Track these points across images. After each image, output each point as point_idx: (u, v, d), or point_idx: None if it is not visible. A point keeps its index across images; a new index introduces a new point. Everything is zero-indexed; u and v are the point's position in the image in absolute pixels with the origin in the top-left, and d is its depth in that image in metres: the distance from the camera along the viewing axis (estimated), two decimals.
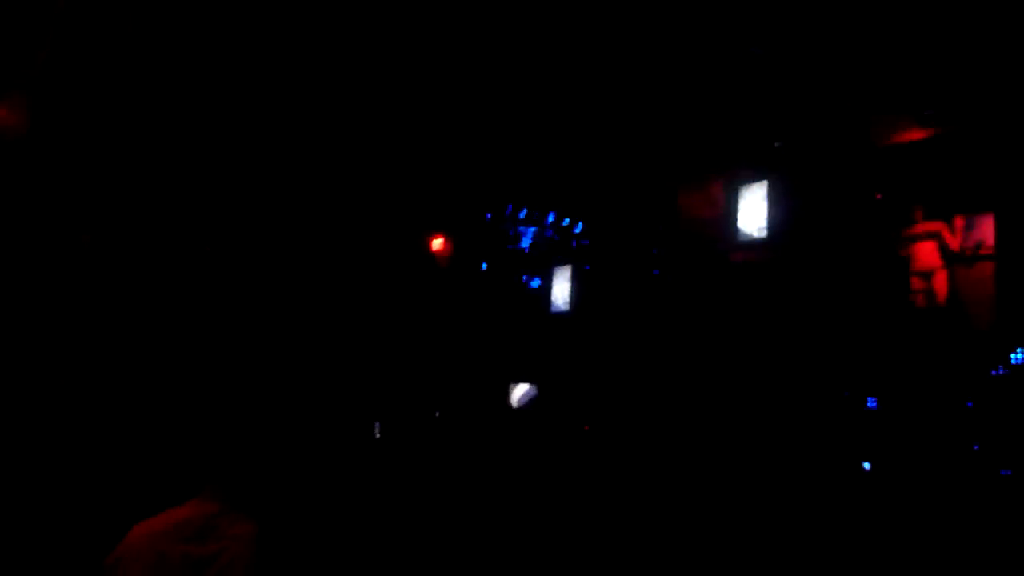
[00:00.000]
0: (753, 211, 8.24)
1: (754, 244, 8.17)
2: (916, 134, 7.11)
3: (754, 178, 8.27)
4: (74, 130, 7.78)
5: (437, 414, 8.39)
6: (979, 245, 6.58)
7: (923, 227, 7.00)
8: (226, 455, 1.68)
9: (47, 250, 7.27)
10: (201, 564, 1.44)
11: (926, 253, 6.89)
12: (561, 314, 10.02)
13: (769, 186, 8.16)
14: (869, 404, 6.82)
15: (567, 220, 10.36)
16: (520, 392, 9.63)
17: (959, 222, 6.83)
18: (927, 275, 6.88)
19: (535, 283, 10.50)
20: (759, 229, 8.20)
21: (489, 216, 10.80)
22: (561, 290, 10.08)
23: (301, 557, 1.62)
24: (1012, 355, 6.10)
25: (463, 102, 8.78)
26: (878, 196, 7.53)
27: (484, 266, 10.91)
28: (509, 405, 9.48)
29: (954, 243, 6.77)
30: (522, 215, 10.70)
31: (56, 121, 7.57)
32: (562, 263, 10.13)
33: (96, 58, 7.40)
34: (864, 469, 6.33)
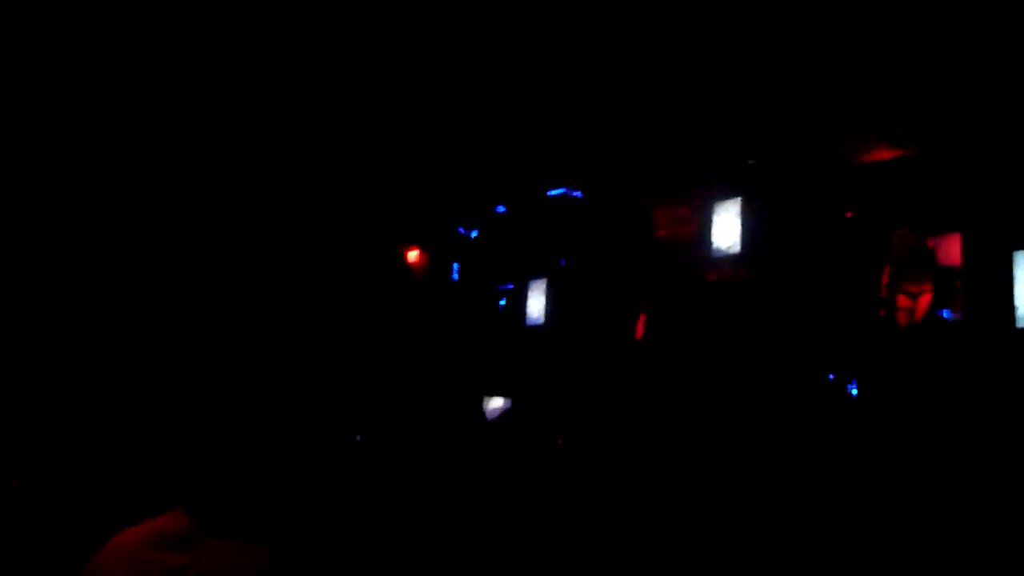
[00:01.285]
0: (727, 228, 8.35)
1: (727, 260, 8.27)
2: (886, 153, 7.26)
3: (728, 195, 8.40)
4: (46, 128, 7.67)
5: (408, 418, 8.37)
6: None
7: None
8: (201, 466, 1.66)
9: (17, 252, 7.14)
10: (174, 573, 1.44)
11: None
12: (536, 327, 10.03)
13: (743, 203, 8.28)
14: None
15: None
16: (494, 405, 9.61)
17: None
18: (914, 295, 6.89)
19: (509, 296, 10.50)
20: (732, 245, 8.32)
21: (463, 229, 10.81)
22: (536, 303, 10.10)
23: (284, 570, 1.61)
24: None
25: (438, 114, 8.79)
26: (848, 215, 7.66)
27: (457, 278, 10.90)
28: (483, 418, 9.45)
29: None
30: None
31: (28, 118, 7.46)
32: (537, 276, 10.16)
33: (69, 57, 7.30)
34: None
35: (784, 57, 7.17)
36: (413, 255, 10.88)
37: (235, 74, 7.86)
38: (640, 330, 8.95)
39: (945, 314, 6.84)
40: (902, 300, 6.94)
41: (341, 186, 9.70)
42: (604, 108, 8.45)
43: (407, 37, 7.34)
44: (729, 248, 8.33)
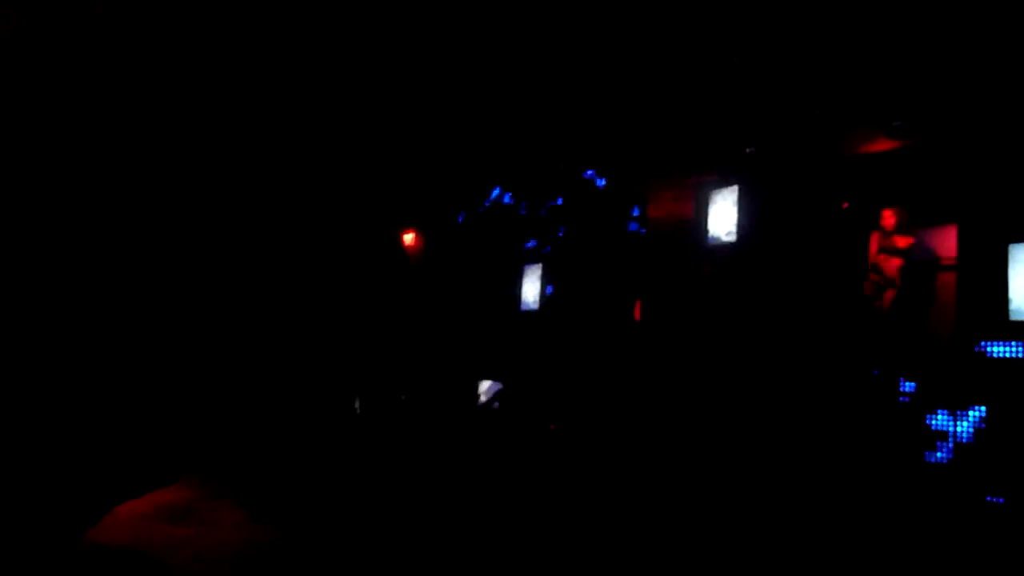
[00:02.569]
0: (724, 215, 8.34)
1: (724, 248, 8.27)
2: (884, 144, 7.25)
3: (725, 183, 8.38)
4: (40, 114, 7.60)
5: (403, 397, 8.40)
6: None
7: (894, 241, 7.05)
8: (207, 442, 1.67)
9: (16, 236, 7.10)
10: (180, 546, 1.45)
11: (891, 268, 6.99)
12: (530, 312, 10.03)
13: (740, 191, 8.27)
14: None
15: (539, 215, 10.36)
16: (487, 388, 9.62)
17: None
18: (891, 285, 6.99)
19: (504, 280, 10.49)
20: (728, 233, 8.31)
21: (461, 214, 10.77)
22: (531, 288, 10.10)
23: (290, 547, 1.62)
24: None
25: (439, 101, 8.75)
26: (844, 205, 7.66)
27: (453, 262, 10.88)
28: (475, 401, 9.46)
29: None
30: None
31: (21, 104, 7.39)
32: (532, 262, 10.16)
33: (63, 42, 7.23)
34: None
35: (784, 47, 7.15)
36: (409, 238, 10.84)
37: (234, 63, 7.80)
38: (636, 316, 8.97)
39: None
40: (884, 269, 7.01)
41: (337, 171, 9.67)
42: (602, 94, 8.41)
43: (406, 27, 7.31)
44: (725, 236, 8.33)
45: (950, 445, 6.11)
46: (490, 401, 9.28)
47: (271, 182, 9.18)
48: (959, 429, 6.11)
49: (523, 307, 10.09)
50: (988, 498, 5.73)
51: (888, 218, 7.02)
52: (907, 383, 6.54)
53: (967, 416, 6.08)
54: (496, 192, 10.61)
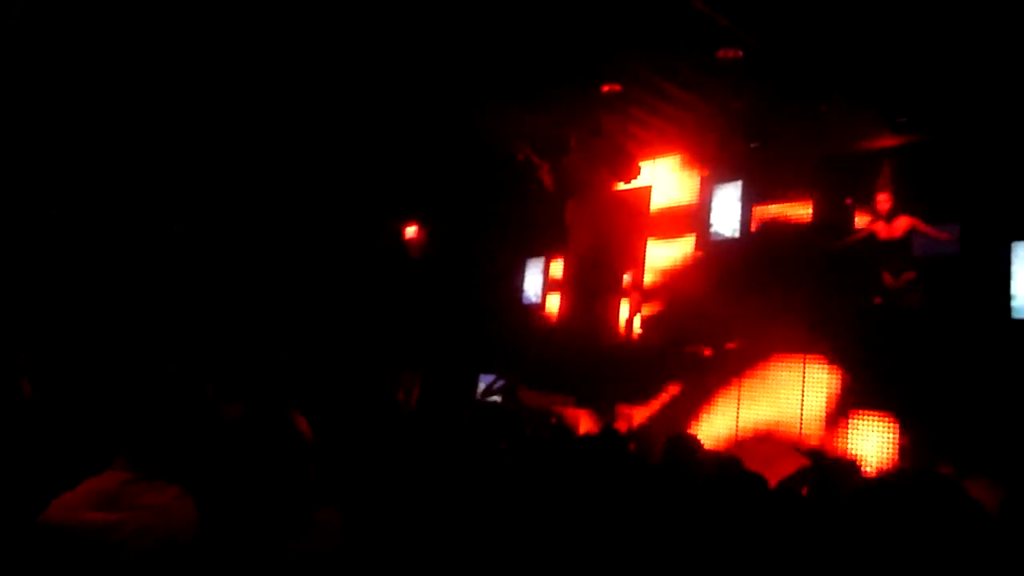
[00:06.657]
0: (727, 210, 8.30)
1: (726, 242, 8.24)
2: (889, 141, 7.20)
3: (729, 178, 8.34)
4: (43, 98, 7.60)
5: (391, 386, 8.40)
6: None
7: (893, 226, 7.07)
8: (136, 421, 1.68)
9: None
10: (108, 532, 1.46)
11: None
12: (532, 306, 10.02)
13: (743, 186, 8.23)
14: None
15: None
16: (487, 382, 9.62)
17: None
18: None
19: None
20: (732, 229, 8.27)
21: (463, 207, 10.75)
22: (533, 282, 10.09)
23: (222, 524, 1.62)
24: None
25: (439, 93, 8.70)
26: (848, 200, 7.61)
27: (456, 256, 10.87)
28: (475, 394, 9.46)
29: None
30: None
31: (24, 89, 7.38)
32: (534, 255, 10.15)
33: (69, 25, 7.22)
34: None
35: (788, 41, 7.08)
36: (411, 231, 10.83)
37: (234, 51, 7.78)
38: (637, 309, 8.95)
39: None
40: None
41: (339, 164, 9.66)
42: (605, 87, 8.36)
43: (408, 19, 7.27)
44: (729, 231, 8.30)
45: None
46: (490, 394, 9.28)
47: (274, 175, 9.18)
48: None
49: (525, 301, 10.09)
50: None
51: (883, 203, 7.05)
52: None
53: None
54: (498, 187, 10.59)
